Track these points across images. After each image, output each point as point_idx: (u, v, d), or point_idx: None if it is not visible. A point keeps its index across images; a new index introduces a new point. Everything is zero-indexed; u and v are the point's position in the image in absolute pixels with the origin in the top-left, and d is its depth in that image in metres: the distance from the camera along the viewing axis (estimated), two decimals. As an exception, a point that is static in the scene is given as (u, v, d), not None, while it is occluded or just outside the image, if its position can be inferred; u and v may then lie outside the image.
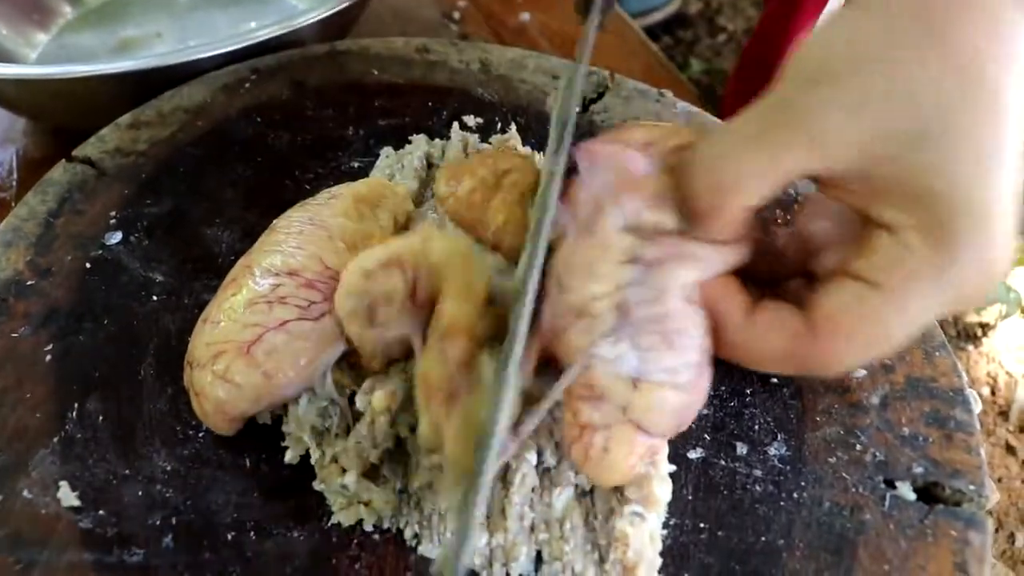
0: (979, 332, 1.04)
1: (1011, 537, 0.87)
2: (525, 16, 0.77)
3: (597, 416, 0.35)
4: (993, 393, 1.00)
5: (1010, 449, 0.94)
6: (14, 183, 0.64)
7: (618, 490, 0.36)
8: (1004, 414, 0.98)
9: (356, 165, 0.52)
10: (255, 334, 0.37)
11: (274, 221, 0.43)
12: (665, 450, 0.37)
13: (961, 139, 0.30)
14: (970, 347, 1.04)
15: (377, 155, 0.51)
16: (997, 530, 0.87)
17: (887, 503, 0.39)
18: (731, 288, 0.37)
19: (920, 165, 0.30)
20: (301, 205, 0.44)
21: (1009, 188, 0.31)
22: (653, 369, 0.34)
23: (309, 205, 0.44)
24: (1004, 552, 0.86)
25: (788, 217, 0.38)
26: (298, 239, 0.41)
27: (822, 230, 0.37)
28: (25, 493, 0.37)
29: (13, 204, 0.61)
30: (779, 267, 0.39)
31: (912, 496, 0.39)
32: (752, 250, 0.37)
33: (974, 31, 0.30)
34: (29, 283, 0.45)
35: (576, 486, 0.37)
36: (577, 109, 0.45)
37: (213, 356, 0.37)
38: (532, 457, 0.37)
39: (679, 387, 0.35)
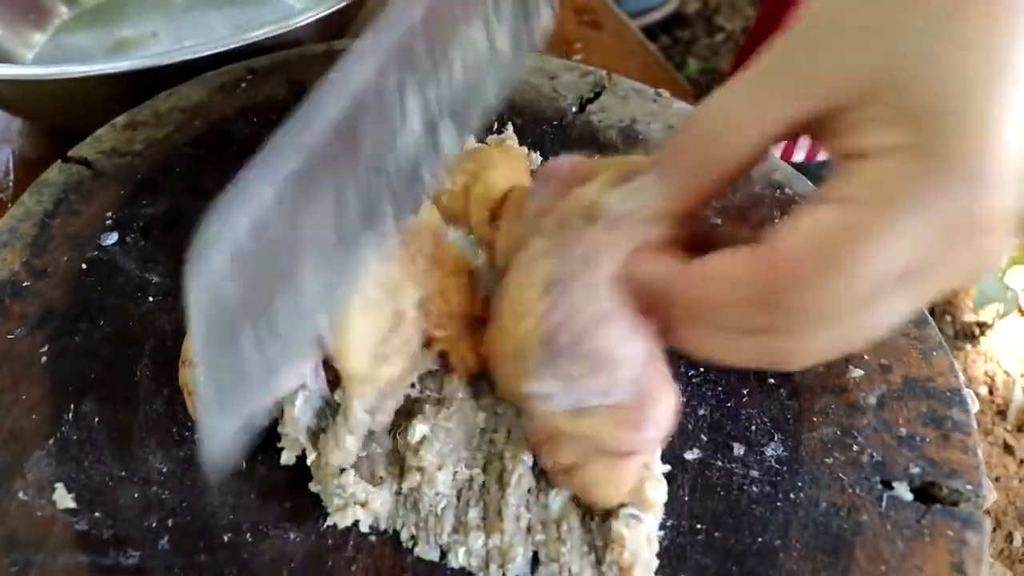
0: (977, 331, 1.04)
1: (1009, 536, 0.87)
2: (522, 15, 0.77)
3: (568, 454, 0.34)
4: (991, 392, 1.00)
5: (1008, 448, 0.94)
6: (10, 183, 0.64)
7: (614, 491, 0.36)
8: (1002, 413, 0.98)
9: (352, 165, 0.52)
10: None
11: None
12: (658, 451, 0.37)
13: (962, 50, 0.27)
14: (968, 346, 1.04)
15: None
16: (995, 529, 0.87)
17: (884, 503, 0.39)
18: (665, 255, 0.32)
19: (920, 83, 0.27)
20: None
21: (1020, 108, 0.26)
22: (584, 397, 0.32)
23: None
24: (1002, 551, 0.86)
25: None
26: None
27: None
28: (21, 495, 0.37)
29: (10, 205, 0.61)
30: None
31: (909, 496, 0.39)
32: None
33: None
34: (25, 284, 0.45)
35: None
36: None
37: None
38: (528, 458, 0.37)
39: (620, 404, 0.32)
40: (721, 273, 0.29)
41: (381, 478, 0.38)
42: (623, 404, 0.32)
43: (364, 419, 0.36)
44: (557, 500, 0.36)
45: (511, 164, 0.43)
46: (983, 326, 1.05)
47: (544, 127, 0.54)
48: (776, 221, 0.37)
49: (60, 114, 0.62)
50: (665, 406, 0.33)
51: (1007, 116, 0.26)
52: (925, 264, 0.27)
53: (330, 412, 0.38)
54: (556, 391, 0.32)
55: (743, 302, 0.28)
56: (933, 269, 0.27)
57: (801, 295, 0.27)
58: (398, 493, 0.38)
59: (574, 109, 0.56)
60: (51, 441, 0.39)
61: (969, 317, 1.05)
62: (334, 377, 0.38)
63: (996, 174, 0.26)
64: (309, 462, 0.38)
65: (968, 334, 1.04)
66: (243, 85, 0.56)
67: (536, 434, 0.36)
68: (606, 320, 0.32)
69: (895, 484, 0.40)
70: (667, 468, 0.38)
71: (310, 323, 0.32)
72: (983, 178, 0.26)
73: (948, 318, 1.05)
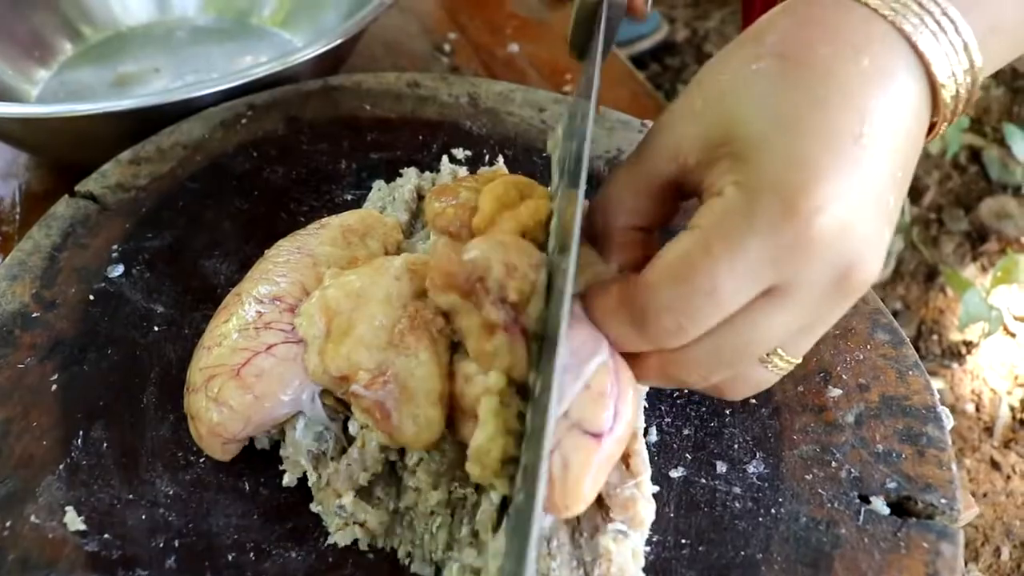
0: (963, 350, 1.06)
1: (997, 551, 0.88)
2: (514, 47, 0.80)
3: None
4: (978, 410, 1.02)
5: (995, 465, 0.96)
6: (17, 217, 0.65)
7: (603, 508, 0.38)
8: (989, 430, 1.00)
9: (349, 198, 0.54)
10: (244, 357, 0.39)
11: (266, 251, 0.45)
12: (648, 472, 0.39)
13: (772, 99, 0.32)
14: (954, 365, 1.05)
15: (369, 188, 0.52)
16: (983, 544, 0.89)
17: (862, 517, 0.41)
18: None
19: (740, 130, 0.33)
20: (292, 235, 0.46)
21: (831, 148, 0.31)
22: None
23: (299, 235, 0.46)
24: (991, 566, 0.87)
25: None
26: (284, 267, 0.43)
27: None
28: (32, 518, 0.39)
29: (16, 238, 0.63)
30: None
31: (886, 510, 0.41)
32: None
33: (786, 24, 0.34)
34: (35, 315, 0.46)
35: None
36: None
37: (206, 380, 0.40)
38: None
39: (593, 385, 0.35)
40: (602, 303, 0.36)
41: (379, 498, 0.39)
42: (596, 385, 0.35)
43: (380, 457, 0.38)
44: (548, 517, 0.38)
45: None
46: (969, 345, 1.07)
47: (534, 158, 0.56)
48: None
49: (66, 150, 0.64)
50: (629, 384, 0.37)
51: (819, 150, 0.31)
52: (761, 282, 0.32)
53: (331, 437, 0.40)
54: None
55: (622, 324, 0.35)
56: (776, 282, 0.32)
57: (657, 310, 0.33)
58: (395, 512, 0.40)
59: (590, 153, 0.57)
60: (61, 466, 0.41)
61: (955, 336, 1.07)
62: (334, 403, 0.40)
63: (801, 204, 0.30)
64: (310, 483, 0.39)
65: (954, 353, 1.06)
66: (243, 121, 0.58)
67: None
68: (577, 322, 0.36)
69: (872, 499, 0.41)
70: (655, 488, 0.39)
71: None
72: (788, 207, 0.31)
73: (935, 337, 1.07)
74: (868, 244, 0.32)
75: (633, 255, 0.38)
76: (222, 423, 0.39)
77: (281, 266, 0.43)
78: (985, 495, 0.92)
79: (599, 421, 0.35)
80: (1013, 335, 1.10)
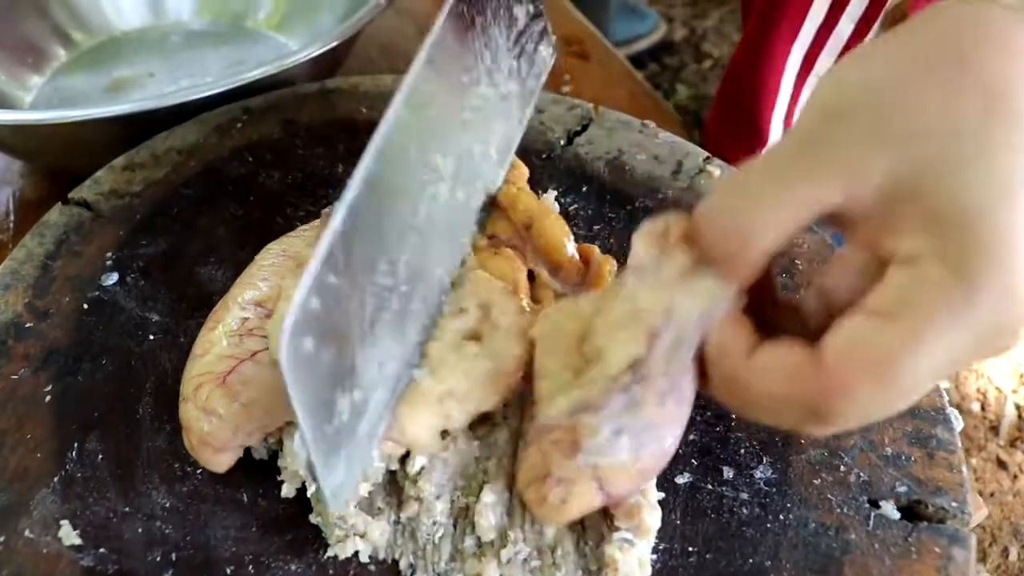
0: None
1: (1005, 551, 0.88)
2: (511, 49, 0.79)
3: (566, 467, 0.34)
4: (983, 408, 1.01)
5: (1001, 464, 0.95)
6: (11, 225, 0.65)
7: (608, 516, 0.37)
8: (995, 429, 0.99)
9: (347, 201, 0.53)
10: (229, 365, 0.39)
11: (256, 256, 0.45)
12: (653, 479, 0.38)
13: (983, 160, 0.28)
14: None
15: (367, 191, 0.51)
16: (991, 544, 0.88)
17: (872, 522, 0.40)
18: (739, 325, 0.33)
19: (941, 190, 0.28)
20: (281, 239, 0.46)
21: None
22: (641, 442, 0.34)
23: (287, 238, 0.46)
24: (999, 566, 0.87)
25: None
26: (267, 271, 0.43)
27: (847, 286, 0.32)
28: (27, 533, 0.38)
29: (10, 246, 0.62)
30: (802, 327, 0.34)
31: (896, 515, 0.40)
32: (773, 308, 0.34)
33: (997, 55, 0.29)
34: (28, 325, 0.46)
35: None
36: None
37: (195, 389, 0.39)
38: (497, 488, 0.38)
39: (652, 455, 0.34)
40: (776, 371, 0.31)
41: (380, 508, 0.39)
42: (641, 464, 0.34)
43: (381, 468, 0.37)
44: (551, 527, 0.37)
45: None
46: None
47: (533, 159, 0.55)
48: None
49: (59, 156, 0.63)
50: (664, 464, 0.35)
51: None
52: (956, 364, 0.29)
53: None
54: (623, 433, 0.33)
55: (792, 401, 0.30)
56: (963, 364, 0.30)
57: (846, 405, 0.29)
58: (396, 523, 0.39)
59: (562, 142, 0.57)
60: (56, 479, 0.40)
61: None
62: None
63: (1020, 287, 0.27)
64: (310, 494, 0.39)
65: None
66: (238, 125, 0.57)
67: (554, 430, 0.35)
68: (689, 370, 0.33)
69: (882, 503, 0.41)
70: (661, 495, 0.39)
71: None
72: (1008, 292, 0.27)
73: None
74: None
75: (755, 277, 0.33)
76: (211, 432, 0.38)
77: (265, 270, 0.43)
78: (992, 495, 0.91)
79: (619, 491, 0.34)
80: (1018, 333, 1.08)
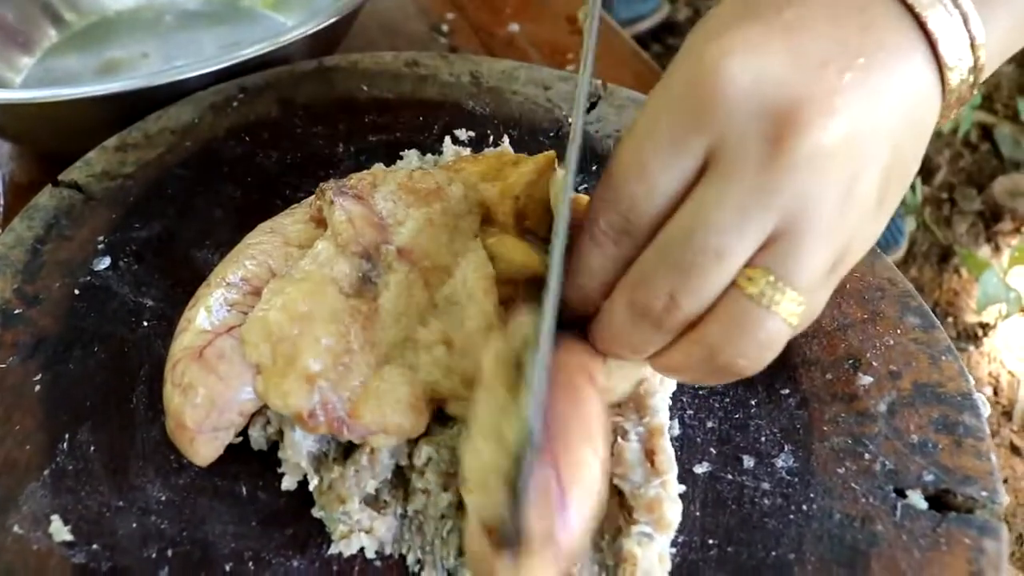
0: (979, 332, 1.04)
1: (1019, 538, 0.86)
2: (514, 27, 0.77)
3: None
4: (996, 393, 1.00)
5: (1015, 450, 0.93)
6: (2, 209, 0.63)
7: (625, 508, 0.35)
8: (1008, 414, 0.97)
9: (347, 182, 0.51)
10: (206, 340, 0.38)
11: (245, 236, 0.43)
12: (675, 471, 0.36)
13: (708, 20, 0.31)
14: (971, 347, 1.03)
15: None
16: (1005, 531, 0.87)
17: (899, 513, 0.38)
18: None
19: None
20: (272, 218, 0.44)
21: (751, 14, 0.29)
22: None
23: (276, 218, 0.44)
24: (1013, 554, 0.85)
25: None
26: (255, 249, 0.41)
27: None
28: (16, 528, 0.37)
29: (1, 230, 0.60)
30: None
31: (924, 504, 0.39)
32: None
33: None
34: (16, 311, 0.44)
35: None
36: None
37: (173, 367, 0.38)
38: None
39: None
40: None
41: (385, 502, 0.37)
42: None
43: (390, 464, 0.36)
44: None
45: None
46: (986, 327, 1.05)
47: (541, 138, 0.53)
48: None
49: (50, 138, 0.62)
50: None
51: (736, 15, 0.29)
52: (688, 148, 0.29)
53: (333, 439, 0.37)
54: None
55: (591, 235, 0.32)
56: (705, 149, 0.29)
57: (604, 208, 0.31)
58: (403, 517, 0.37)
59: (570, 120, 0.55)
60: (46, 472, 0.38)
61: (971, 319, 1.05)
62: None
63: (712, 51, 0.29)
64: (312, 488, 0.37)
65: (971, 335, 1.04)
66: (234, 104, 0.55)
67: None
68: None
69: (909, 492, 0.39)
70: (682, 488, 0.37)
71: None
72: (700, 62, 0.29)
73: (950, 319, 1.05)
74: (803, 91, 0.28)
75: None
76: (187, 411, 0.36)
77: (252, 247, 0.42)
78: (1006, 481, 0.90)
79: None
80: (1031, 316, 1.07)
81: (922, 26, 0.29)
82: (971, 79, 0.31)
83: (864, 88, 0.28)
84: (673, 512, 0.35)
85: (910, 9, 0.29)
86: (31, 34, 0.72)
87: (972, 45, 0.30)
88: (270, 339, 0.36)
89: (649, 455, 0.36)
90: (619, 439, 0.36)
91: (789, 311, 0.30)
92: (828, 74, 0.28)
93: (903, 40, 0.29)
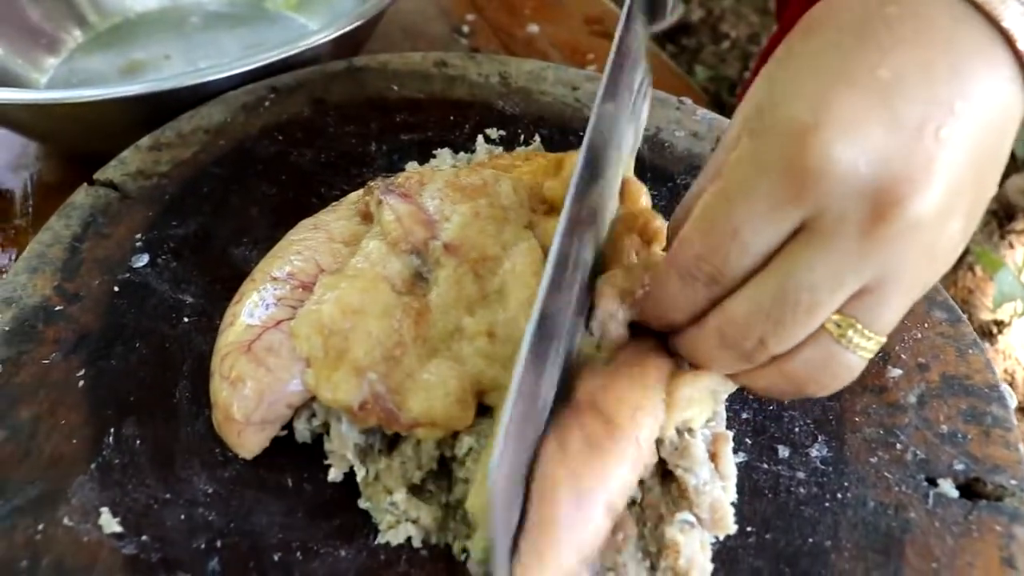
0: (994, 330, 1.05)
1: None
2: (534, 28, 0.78)
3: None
4: (1011, 388, 1.00)
5: (1031, 444, 0.94)
6: (29, 209, 0.63)
7: (668, 496, 0.36)
8: (1022, 410, 0.98)
9: (381, 180, 0.52)
10: (255, 334, 0.38)
11: (288, 232, 0.44)
12: (735, 477, 0.37)
13: (790, 53, 0.32)
14: (986, 344, 1.04)
15: (401, 169, 0.50)
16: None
17: (931, 501, 0.39)
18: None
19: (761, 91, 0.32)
20: (315, 215, 0.45)
21: (845, 79, 0.30)
22: None
23: (318, 214, 0.45)
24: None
25: None
26: (300, 245, 0.42)
27: None
28: (66, 520, 0.37)
29: (30, 229, 0.61)
30: None
31: (955, 493, 0.39)
32: None
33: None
34: (57, 308, 0.45)
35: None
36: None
37: (221, 360, 0.38)
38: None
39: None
40: (643, 276, 0.36)
41: (430, 492, 0.38)
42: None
43: (435, 455, 0.37)
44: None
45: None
46: (1000, 324, 1.05)
47: (571, 137, 0.54)
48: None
49: (77, 138, 0.62)
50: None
51: (830, 82, 0.30)
52: (785, 215, 0.30)
53: (378, 430, 0.38)
54: None
55: (667, 286, 0.34)
56: (803, 218, 0.30)
57: (691, 260, 0.32)
58: (447, 506, 0.38)
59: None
60: (93, 465, 0.39)
61: (986, 316, 1.06)
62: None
63: (817, 132, 0.29)
64: (359, 479, 0.38)
65: (985, 332, 1.05)
66: (266, 104, 0.56)
67: None
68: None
69: (940, 481, 0.40)
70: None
71: None
72: (802, 137, 0.29)
73: (965, 317, 1.06)
74: (902, 166, 0.28)
75: None
76: (236, 403, 0.37)
77: (297, 244, 0.42)
78: (1020, 476, 0.90)
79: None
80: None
81: (999, 28, 0.30)
82: None
83: (959, 136, 0.29)
84: (731, 517, 0.36)
85: (988, 16, 0.30)
86: (56, 35, 0.73)
87: None
88: (322, 332, 0.37)
89: (712, 458, 0.36)
90: (686, 435, 0.37)
91: (868, 350, 0.33)
92: (926, 138, 0.29)
93: (989, 58, 0.30)
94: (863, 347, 0.32)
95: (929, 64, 0.29)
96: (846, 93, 0.29)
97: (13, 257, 0.60)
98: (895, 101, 0.29)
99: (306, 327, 0.37)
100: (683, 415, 0.35)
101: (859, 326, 0.32)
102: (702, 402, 0.36)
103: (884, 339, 0.33)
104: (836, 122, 0.29)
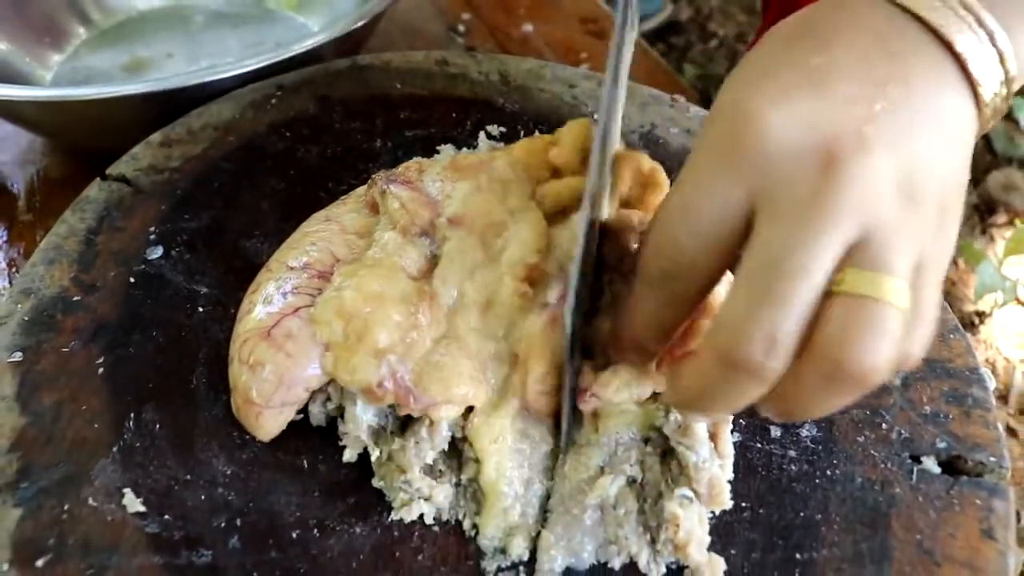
0: (976, 320, 1.08)
1: (1016, 516, 0.90)
2: (528, 27, 0.79)
3: None
4: (992, 377, 1.03)
5: (1011, 432, 0.97)
6: (36, 204, 0.65)
7: (668, 472, 0.38)
8: (1004, 398, 1.01)
9: (386, 175, 0.54)
10: (272, 320, 0.40)
11: (301, 225, 0.46)
12: (732, 456, 0.40)
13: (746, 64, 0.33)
14: (968, 334, 1.07)
15: (406, 165, 0.52)
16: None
17: (915, 477, 0.41)
18: None
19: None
20: (325, 209, 0.46)
21: (784, 63, 0.31)
22: None
23: (330, 207, 0.47)
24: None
25: None
26: (314, 236, 0.44)
27: None
28: (90, 501, 0.38)
29: (37, 225, 0.62)
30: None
31: (937, 469, 0.42)
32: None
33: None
34: (75, 299, 0.46)
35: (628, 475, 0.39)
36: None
37: (240, 346, 0.40)
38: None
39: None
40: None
41: (441, 471, 0.39)
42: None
43: (448, 435, 0.38)
44: (614, 485, 0.38)
45: None
46: (982, 315, 1.08)
47: (567, 133, 0.55)
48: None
49: (83, 135, 0.63)
50: None
51: (768, 63, 0.31)
52: (734, 195, 0.31)
53: (391, 412, 0.40)
54: None
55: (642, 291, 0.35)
56: (751, 194, 0.31)
57: (655, 255, 0.33)
58: (457, 485, 0.40)
59: (595, 116, 0.58)
60: (115, 448, 0.40)
61: (968, 307, 1.08)
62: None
63: (748, 104, 0.30)
64: (373, 460, 0.39)
65: (967, 323, 1.07)
66: (273, 101, 0.57)
67: None
68: None
69: (923, 459, 0.42)
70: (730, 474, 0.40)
71: None
72: (737, 114, 0.31)
73: (947, 305, 1.08)
74: (833, 127, 0.29)
75: None
76: (255, 387, 0.39)
77: (312, 235, 0.44)
78: (1003, 462, 0.93)
79: None
80: (1024, 304, 1.11)
81: (950, 49, 0.31)
82: (1004, 91, 0.32)
83: (895, 113, 0.30)
84: (727, 493, 0.38)
85: (935, 34, 0.31)
86: (60, 32, 0.74)
87: (1001, 60, 0.31)
88: (343, 317, 0.38)
89: (712, 437, 0.38)
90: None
91: (894, 292, 0.29)
92: (857, 108, 0.30)
93: (932, 64, 0.31)
94: (887, 290, 0.29)
95: (866, 56, 0.31)
96: (779, 72, 0.31)
97: (21, 252, 0.61)
98: (826, 78, 0.30)
99: (328, 313, 0.39)
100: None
101: (865, 272, 0.29)
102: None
103: (901, 280, 0.29)
104: (768, 97, 0.30)
